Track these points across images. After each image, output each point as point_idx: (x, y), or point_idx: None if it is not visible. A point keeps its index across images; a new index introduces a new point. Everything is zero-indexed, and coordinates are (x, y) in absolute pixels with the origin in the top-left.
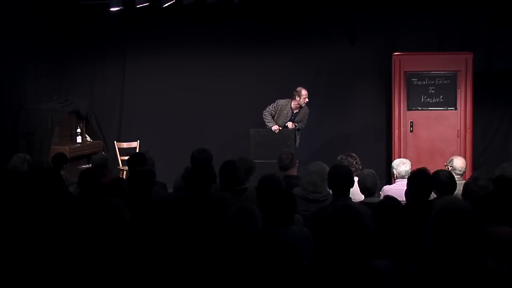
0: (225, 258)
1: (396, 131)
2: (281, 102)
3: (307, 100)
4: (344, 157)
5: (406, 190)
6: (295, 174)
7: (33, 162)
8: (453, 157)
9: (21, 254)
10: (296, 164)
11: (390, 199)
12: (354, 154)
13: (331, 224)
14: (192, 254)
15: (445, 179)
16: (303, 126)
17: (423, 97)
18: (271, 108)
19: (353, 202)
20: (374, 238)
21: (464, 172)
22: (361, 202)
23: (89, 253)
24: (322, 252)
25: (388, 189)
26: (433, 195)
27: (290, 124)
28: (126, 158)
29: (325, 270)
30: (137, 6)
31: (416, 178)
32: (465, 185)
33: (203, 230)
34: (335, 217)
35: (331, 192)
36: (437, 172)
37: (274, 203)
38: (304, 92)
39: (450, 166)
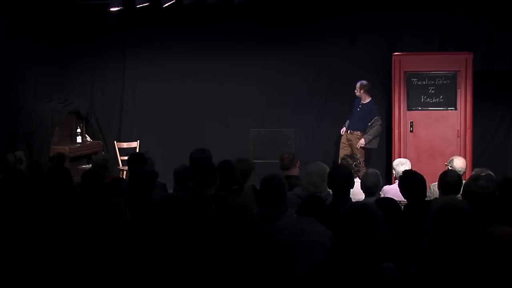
0: (223, 258)
1: (396, 131)
2: None
3: (357, 92)
4: (345, 158)
5: None
6: (296, 174)
7: (30, 163)
8: (453, 157)
9: (22, 254)
10: (298, 164)
11: (386, 199)
12: (357, 156)
13: (347, 221)
14: (191, 254)
15: (452, 179)
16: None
17: (423, 97)
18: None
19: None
20: (386, 240)
21: (464, 172)
22: None
23: (90, 253)
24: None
25: (388, 189)
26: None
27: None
28: (126, 158)
29: (329, 269)
30: (137, 6)
31: (405, 181)
32: (465, 185)
33: (202, 229)
34: (352, 215)
35: (331, 192)
36: (445, 173)
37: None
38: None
39: (450, 166)
